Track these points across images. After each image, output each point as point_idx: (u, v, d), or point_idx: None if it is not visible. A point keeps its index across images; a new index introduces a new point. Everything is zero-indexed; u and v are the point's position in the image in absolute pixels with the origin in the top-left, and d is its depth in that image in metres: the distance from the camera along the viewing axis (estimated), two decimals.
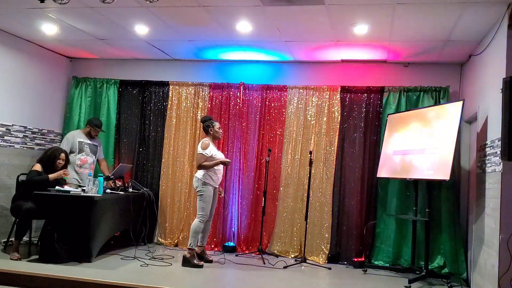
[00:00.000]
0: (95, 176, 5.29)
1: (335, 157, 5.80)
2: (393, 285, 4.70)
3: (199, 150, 5.03)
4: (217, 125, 5.21)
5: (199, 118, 6.05)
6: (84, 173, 5.70)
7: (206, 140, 5.10)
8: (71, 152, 5.79)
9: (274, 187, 5.98)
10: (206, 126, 5.19)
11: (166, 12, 4.58)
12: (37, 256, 4.85)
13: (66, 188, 5.07)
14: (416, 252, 5.20)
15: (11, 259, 4.71)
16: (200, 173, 5.06)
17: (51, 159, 5.18)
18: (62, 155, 5.26)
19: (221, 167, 5.17)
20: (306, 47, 5.48)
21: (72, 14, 4.80)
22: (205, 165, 4.98)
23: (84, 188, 5.03)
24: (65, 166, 5.30)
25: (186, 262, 4.94)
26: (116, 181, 5.71)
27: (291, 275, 4.90)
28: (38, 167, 5.15)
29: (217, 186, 5.20)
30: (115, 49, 6.14)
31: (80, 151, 5.84)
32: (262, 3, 4.16)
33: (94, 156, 6.00)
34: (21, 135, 5.90)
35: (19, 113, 5.88)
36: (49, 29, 5.33)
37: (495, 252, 3.85)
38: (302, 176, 5.87)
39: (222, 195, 5.50)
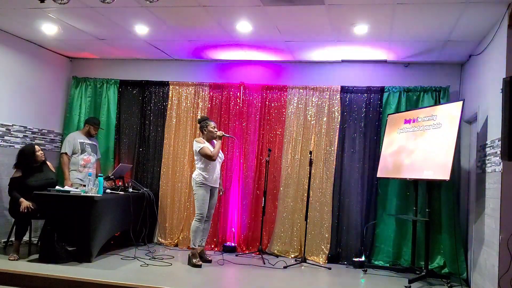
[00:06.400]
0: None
1: (335, 157, 5.80)
2: (393, 285, 4.70)
3: (199, 146, 5.02)
4: (211, 124, 5.21)
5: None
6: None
7: (199, 138, 5.19)
8: (74, 153, 5.82)
9: (274, 187, 5.98)
10: (201, 126, 5.23)
11: (166, 12, 4.58)
12: (37, 256, 4.85)
13: (66, 188, 5.07)
14: (416, 252, 5.19)
15: (9, 259, 4.71)
16: (195, 174, 5.10)
17: (30, 154, 5.10)
18: (37, 147, 5.23)
19: (217, 166, 5.15)
20: (306, 47, 5.48)
21: (72, 14, 4.80)
22: (215, 151, 5.03)
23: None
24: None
25: (189, 260, 5.02)
26: (116, 181, 5.71)
27: (291, 275, 4.90)
28: (18, 173, 5.09)
29: (216, 186, 5.19)
30: (115, 49, 6.13)
31: (83, 151, 5.86)
32: (262, 3, 4.16)
33: (95, 155, 6.03)
34: (21, 135, 5.90)
35: (19, 113, 5.88)
36: (49, 29, 5.32)
37: (495, 252, 3.85)
38: (302, 176, 5.87)
39: (221, 193, 5.50)
